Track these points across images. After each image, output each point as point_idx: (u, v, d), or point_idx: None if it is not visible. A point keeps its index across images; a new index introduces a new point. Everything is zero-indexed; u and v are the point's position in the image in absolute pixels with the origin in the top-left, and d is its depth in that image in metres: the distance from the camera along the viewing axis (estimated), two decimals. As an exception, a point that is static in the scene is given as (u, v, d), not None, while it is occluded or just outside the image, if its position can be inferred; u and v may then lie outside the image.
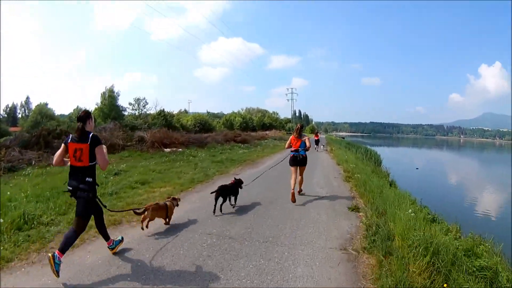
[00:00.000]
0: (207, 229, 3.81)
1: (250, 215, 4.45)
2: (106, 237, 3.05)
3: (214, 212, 4.45)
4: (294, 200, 5.46)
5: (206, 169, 8.39)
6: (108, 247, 3.07)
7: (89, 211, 2.80)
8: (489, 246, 3.78)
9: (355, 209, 4.92)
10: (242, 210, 4.68)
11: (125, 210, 3.88)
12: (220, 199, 4.55)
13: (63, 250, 2.57)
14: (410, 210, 4.23)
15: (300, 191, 6.09)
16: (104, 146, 2.80)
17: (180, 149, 14.08)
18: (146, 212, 3.57)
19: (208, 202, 4.77)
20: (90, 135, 2.69)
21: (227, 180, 5.95)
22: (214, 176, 7.56)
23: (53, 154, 3.02)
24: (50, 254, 2.48)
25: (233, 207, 4.86)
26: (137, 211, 3.62)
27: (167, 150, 14.18)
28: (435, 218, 5.00)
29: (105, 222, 3.05)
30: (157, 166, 8.57)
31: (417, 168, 19.41)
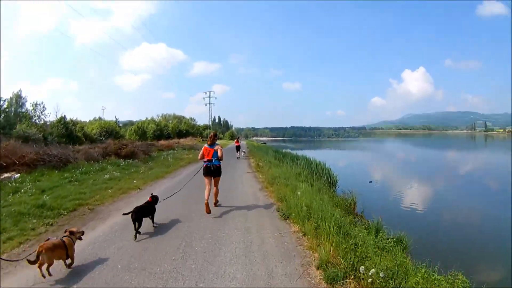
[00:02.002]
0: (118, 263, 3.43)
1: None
2: None
3: (135, 237, 4.31)
4: (209, 211, 5.38)
5: None
6: None
7: None
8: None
9: None
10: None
11: (13, 260, 3.25)
12: (142, 220, 4.48)
13: None
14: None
15: (216, 203, 6.03)
16: None
17: (18, 175, 10.58)
18: (40, 257, 2.99)
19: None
20: None
21: None
22: None
23: None
24: None
25: (155, 226, 4.82)
26: (30, 259, 3.02)
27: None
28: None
29: None
30: None
31: (370, 182, 16.89)
